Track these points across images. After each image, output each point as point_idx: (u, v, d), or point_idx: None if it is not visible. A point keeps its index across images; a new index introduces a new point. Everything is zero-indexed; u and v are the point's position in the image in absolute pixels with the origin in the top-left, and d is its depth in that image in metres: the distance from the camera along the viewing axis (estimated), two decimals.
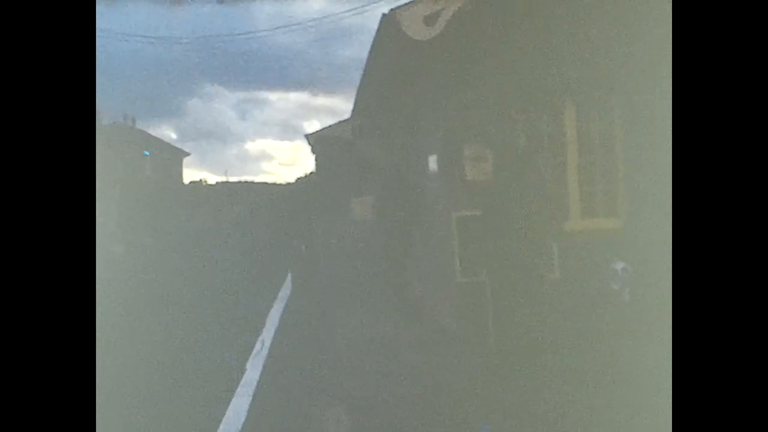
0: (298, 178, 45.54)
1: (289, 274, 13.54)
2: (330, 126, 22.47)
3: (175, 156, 48.87)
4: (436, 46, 7.36)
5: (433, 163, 8.72)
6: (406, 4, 7.09)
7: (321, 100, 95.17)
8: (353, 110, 15.71)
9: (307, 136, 23.34)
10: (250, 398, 6.20)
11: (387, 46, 8.18)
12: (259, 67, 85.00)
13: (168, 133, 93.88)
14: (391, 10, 7.09)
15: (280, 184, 49.29)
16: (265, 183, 50.88)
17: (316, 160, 24.55)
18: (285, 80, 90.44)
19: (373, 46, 8.71)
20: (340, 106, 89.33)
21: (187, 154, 50.54)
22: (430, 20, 6.91)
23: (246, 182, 51.44)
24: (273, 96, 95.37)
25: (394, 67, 9.22)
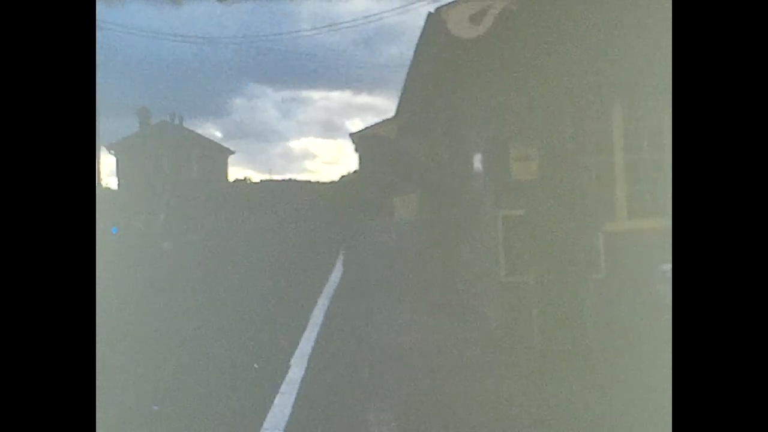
0: (342, 177, 45.78)
1: (335, 271, 13.60)
2: (374, 125, 22.50)
3: (220, 154, 49.42)
4: (482, 45, 7.32)
5: (478, 162, 8.69)
6: (452, 2, 7.07)
7: (363, 99, 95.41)
8: (398, 109, 15.72)
9: (352, 135, 23.41)
10: (294, 396, 6.25)
11: (432, 44, 8.16)
12: (302, 66, 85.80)
13: (213, 132, 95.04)
14: (437, 8, 7.08)
15: (324, 183, 49.57)
16: (309, 181, 51.18)
17: (359, 158, 24.61)
18: (328, 79, 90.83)
19: (418, 45, 8.71)
20: (382, 105, 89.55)
21: (232, 153, 51.05)
22: (476, 19, 6.88)
23: (289, 180, 51.79)
24: (316, 95, 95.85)
25: (439, 65, 9.20)
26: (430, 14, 7.35)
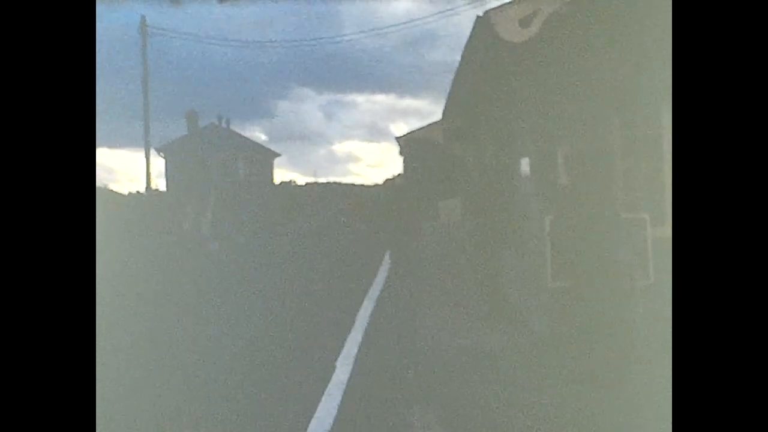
0: (386, 180, 45.90)
1: (379, 274, 13.62)
2: (420, 128, 22.48)
3: (266, 156, 49.84)
4: (531, 49, 7.28)
5: (525, 165, 8.64)
6: (500, 6, 7.05)
7: (407, 103, 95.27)
8: (444, 112, 15.68)
9: (398, 139, 23.43)
10: (340, 398, 6.27)
11: (480, 47, 8.14)
12: (345, 69, 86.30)
13: (258, 135, 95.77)
14: (486, 11, 7.06)
15: (368, 186, 49.74)
16: (353, 184, 51.39)
17: (404, 161, 24.60)
18: (371, 83, 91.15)
19: (466, 48, 8.69)
20: (426, 109, 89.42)
21: (278, 155, 51.42)
22: (525, 22, 6.85)
23: (334, 183, 52.04)
24: (360, 98, 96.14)
25: (487, 69, 9.17)
26: (478, 17, 7.34)
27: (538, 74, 7.75)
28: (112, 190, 40.08)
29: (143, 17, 33.74)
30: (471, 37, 8.05)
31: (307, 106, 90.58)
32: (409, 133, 23.37)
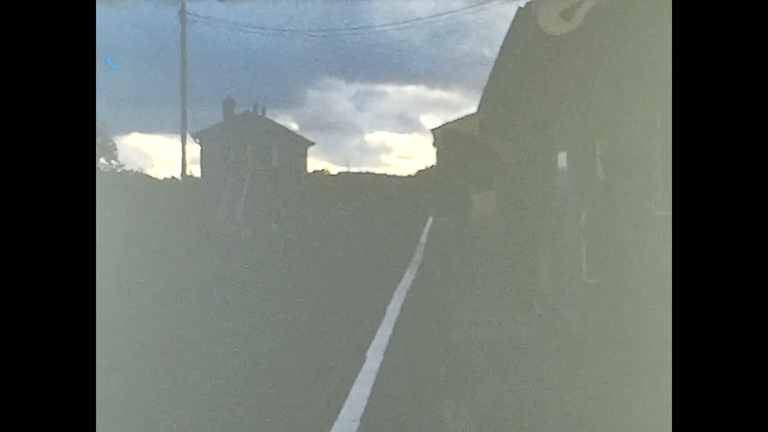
0: (419, 171, 45.87)
1: (411, 265, 13.60)
2: (455, 120, 22.39)
3: (300, 145, 49.96)
4: (572, 41, 7.19)
5: (562, 160, 8.56)
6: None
7: (437, 94, 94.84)
8: (480, 104, 15.59)
9: (433, 130, 23.36)
10: (371, 387, 6.28)
11: (520, 39, 8.06)
12: (375, 60, 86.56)
13: (289, 124, 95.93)
14: (527, 3, 6.98)
15: (401, 176, 49.77)
16: (386, 174, 51.41)
17: (438, 153, 24.53)
18: (401, 74, 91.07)
19: (505, 39, 8.61)
20: (456, 100, 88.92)
21: (312, 144, 51.49)
22: (567, 15, 6.76)
23: (366, 173, 52.05)
24: (389, 89, 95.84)
25: (526, 61, 9.08)
26: (520, 9, 7.26)
27: (578, 68, 7.66)
28: (148, 176, 40.60)
29: (183, 4, 33.96)
30: (511, 28, 7.97)
31: (338, 96, 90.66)
32: (443, 125, 23.27)
